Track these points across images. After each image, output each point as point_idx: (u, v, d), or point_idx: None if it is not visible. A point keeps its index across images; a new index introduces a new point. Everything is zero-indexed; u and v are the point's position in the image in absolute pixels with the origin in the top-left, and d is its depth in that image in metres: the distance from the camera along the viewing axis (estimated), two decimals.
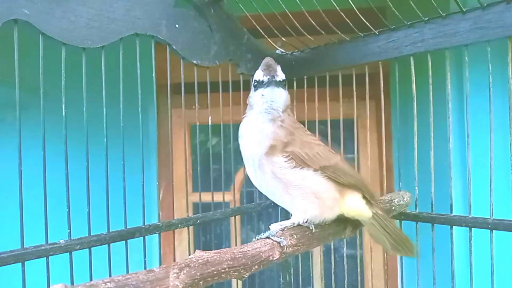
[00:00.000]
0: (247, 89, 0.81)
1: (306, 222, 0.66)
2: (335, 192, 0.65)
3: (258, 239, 0.62)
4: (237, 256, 0.54)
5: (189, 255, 0.53)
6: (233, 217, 1.02)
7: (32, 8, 0.62)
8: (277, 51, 1.09)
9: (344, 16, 0.86)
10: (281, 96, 0.68)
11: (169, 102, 0.84)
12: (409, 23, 0.84)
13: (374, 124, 1.49)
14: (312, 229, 0.67)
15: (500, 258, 0.72)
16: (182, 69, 0.87)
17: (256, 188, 0.71)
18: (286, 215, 0.69)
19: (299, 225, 0.66)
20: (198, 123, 0.93)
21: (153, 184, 0.90)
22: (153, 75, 0.81)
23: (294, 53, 1.07)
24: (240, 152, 0.71)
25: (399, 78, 0.88)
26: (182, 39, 0.84)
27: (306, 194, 0.64)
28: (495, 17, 0.73)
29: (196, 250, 0.53)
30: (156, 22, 0.79)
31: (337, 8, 0.87)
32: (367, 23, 0.88)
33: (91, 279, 0.67)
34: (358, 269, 1.03)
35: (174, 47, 0.83)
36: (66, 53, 0.67)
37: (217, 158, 1.15)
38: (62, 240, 0.66)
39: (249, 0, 0.96)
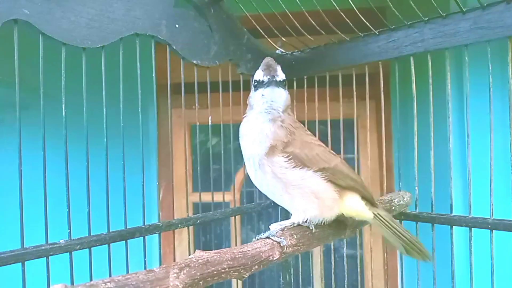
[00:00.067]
0: (247, 89, 0.81)
1: (305, 222, 0.66)
2: (334, 192, 0.65)
3: (258, 239, 0.62)
4: (237, 256, 0.54)
5: (189, 255, 0.53)
6: (233, 217, 1.02)
7: (32, 8, 0.62)
8: (277, 51, 1.09)
9: (344, 16, 0.86)
10: (281, 96, 0.68)
11: (169, 102, 0.84)
12: (409, 23, 0.84)
13: (374, 124, 1.49)
14: (312, 229, 0.67)
15: (500, 258, 0.72)
16: (182, 69, 0.87)
17: (256, 188, 0.71)
18: (286, 215, 0.69)
19: (299, 225, 0.66)
20: (198, 123, 0.93)
21: (153, 184, 0.90)
22: (153, 75, 0.81)
23: (294, 53, 1.07)
24: (240, 152, 0.71)
25: (399, 78, 0.88)
26: (182, 39, 0.84)
27: (305, 194, 0.64)
28: (495, 17, 0.73)
29: (196, 250, 0.53)
30: (156, 22, 0.79)
31: (337, 8, 0.87)
32: (367, 23, 0.88)
33: (91, 279, 0.67)
34: (358, 269, 1.03)
35: (174, 47, 0.83)
36: (66, 53, 0.67)
37: (217, 158, 1.15)
38: (62, 240, 0.66)
39: (249, 0, 0.96)
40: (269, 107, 0.67)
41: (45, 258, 0.64)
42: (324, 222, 0.66)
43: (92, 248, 0.70)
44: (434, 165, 0.82)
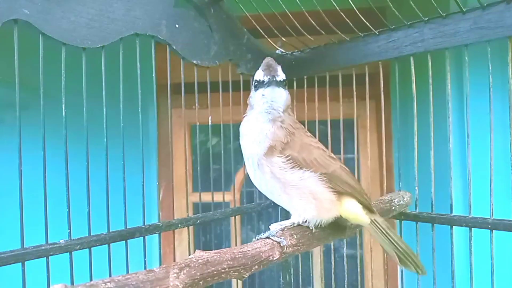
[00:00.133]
0: (247, 89, 0.81)
1: (305, 222, 0.66)
2: (332, 194, 0.65)
3: (258, 239, 0.62)
4: (237, 256, 0.54)
5: (189, 255, 0.53)
6: (233, 217, 1.02)
7: (32, 8, 0.62)
8: (277, 51, 1.09)
9: (344, 16, 0.86)
10: (281, 96, 0.68)
11: (169, 102, 0.84)
12: (409, 23, 0.84)
13: (374, 124, 1.49)
14: (312, 229, 0.67)
15: (500, 258, 0.72)
16: (182, 69, 0.87)
17: (256, 188, 0.72)
18: (286, 215, 0.69)
19: (299, 225, 0.66)
20: (198, 123, 0.93)
21: (153, 184, 0.90)
22: (153, 75, 0.81)
23: (294, 53, 1.07)
24: (240, 152, 0.71)
25: (399, 78, 0.88)
26: (182, 39, 0.84)
27: (303, 194, 0.64)
28: (495, 17, 0.73)
29: (196, 250, 0.53)
30: (156, 22, 0.79)
31: (337, 8, 0.87)
32: (367, 23, 0.88)
33: (91, 279, 0.67)
34: (358, 269, 1.03)
35: (174, 47, 0.83)
36: (66, 53, 0.67)
37: (217, 158, 1.15)
38: (62, 240, 0.66)
39: (249, 0, 0.96)
40: (269, 107, 0.67)
41: (45, 258, 0.64)
42: (322, 223, 0.66)
43: (92, 248, 0.70)
44: (434, 165, 0.82)
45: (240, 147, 0.70)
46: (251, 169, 0.68)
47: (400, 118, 0.91)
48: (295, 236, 0.64)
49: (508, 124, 0.72)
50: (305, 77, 1.05)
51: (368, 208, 0.67)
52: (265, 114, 0.67)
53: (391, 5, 0.81)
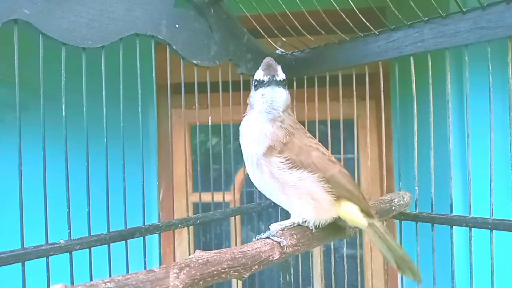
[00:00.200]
0: (247, 89, 0.81)
1: (304, 222, 0.66)
2: (330, 195, 0.65)
3: (258, 239, 0.62)
4: (237, 256, 0.54)
5: (189, 255, 0.53)
6: (233, 217, 1.02)
7: (32, 8, 0.62)
8: (277, 51, 1.09)
9: (344, 16, 0.86)
10: (281, 95, 0.68)
11: (169, 102, 0.84)
12: (409, 23, 0.84)
13: (374, 124, 1.49)
14: (312, 229, 0.67)
15: (500, 258, 0.72)
16: (182, 69, 0.87)
17: (256, 188, 0.72)
18: (286, 215, 0.69)
19: (299, 225, 0.66)
20: (198, 123, 0.93)
21: (153, 184, 0.90)
22: (153, 75, 0.81)
23: (294, 53, 1.07)
24: (240, 152, 0.71)
25: (399, 78, 0.88)
26: (182, 39, 0.84)
27: (302, 195, 0.64)
28: (495, 17, 0.73)
29: (196, 250, 0.53)
30: (156, 22, 0.79)
31: (337, 8, 0.87)
32: (367, 23, 0.88)
33: (91, 279, 0.67)
34: (358, 269, 1.03)
35: (174, 47, 0.83)
36: (66, 53, 0.67)
37: (217, 158, 1.15)
38: (62, 240, 0.66)
39: (249, 0, 0.96)
40: (269, 106, 0.67)
41: (45, 258, 0.64)
42: (321, 224, 0.66)
43: (92, 248, 0.70)
44: (434, 165, 0.82)
45: (240, 147, 0.70)
46: (250, 169, 0.68)
47: (400, 118, 0.92)
48: (295, 236, 0.64)
49: (508, 124, 0.72)
50: (305, 77, 1.05)
51: (366, 212, 0.67)
52: (265, 114, 0.67)
53: (391, 5, 0.81)
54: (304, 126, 0.72)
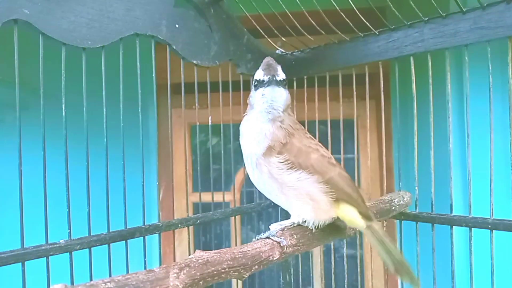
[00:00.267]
0: (247, 89, 0.81)
1: (304, 222, 0.66)
2: (329, 197, 0.65)
3: (258, 239, 0.62)
4: (237, 256, 0.54)
5: (189, 255, 0.53)
6: (233, 217, 1.02)
7: (32, 8, 0.62)
8: (277, 51, 1.09)
9: (344, 16, 0.86)
10: (281, 95, 0.68)
11: (169, 102, 0.84)
12: (409, 23, 0.84)
13: (374, 124, 1.49)
14: (312, 229, 0.67)
15: (500, 258, 0.72)
16: (182, 69, 0.87)
17: (256, 188, 0.72)
18: (286, 215, 0.69)
19: (299, 225, 0.66)
20: (198, 123, 0.93)
21: (153, 184, 0.90)
22: (153, 75, 0.81)
23: (294, 53, 1.07)
24: (240, 152, 0.71)
25: (399, 78, 0.88)
26: (182, 39, 0.84)
27: (300, 195, 0.64)
28: (495, 17, 0.73)
29: (196, 250, 0.53)
30: (156, 22, 0.79)
31: (337, 8, 0.87)
32: (367, 23, 0.88)
33: (91, 279, 0.67)
34: (358, 269, 1.03)
35: (174, 47, 0.83)
36: (66, 53, 0.67)
37: (217, 158, 1.15)
38: (62, 240, 0.66)
39: (249, 0, 0.96)
40: (269, 106, 0.67)
41: (45, 258, 0.64)
42: (320, 224, 0.66)
43: (92, 248, 0.70)
44: (434, 165, 0.82)
45: (240, 147, 0.70)
46: (249, 168, 0.68)
47: (400, 118, 0.92)
48: (295, 236, 0.64)
49: (508, 124, 0.72)
50: (305, 77, 1.05)
51: (364, 215, 0.66)
52: (265, 114, 0.67)
53: (391, 5, 0.81)
54: (304, 126, 0.72)
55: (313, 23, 0.93)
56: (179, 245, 1.36)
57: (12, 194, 0.64)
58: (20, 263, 0.61)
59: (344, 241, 0.98)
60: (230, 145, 0.98)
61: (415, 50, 0.84)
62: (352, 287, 1.17)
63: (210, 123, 0.94)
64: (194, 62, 0.88)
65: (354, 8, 0.84)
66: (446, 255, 0.79)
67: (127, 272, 0.64)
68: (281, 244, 0.61)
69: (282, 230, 0.65)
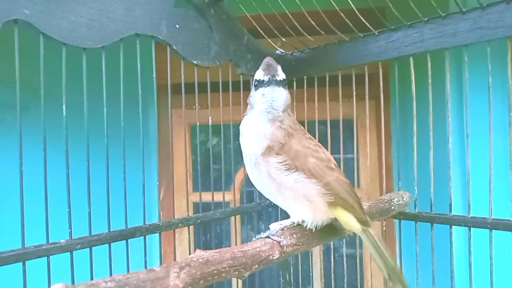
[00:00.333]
0: (247, 89, 0.81)
1: (303, 222, 0.66)
2: (327, 199, 0.64)
3: (258, 239, 0.62)
4: (237, 256, 0.54)
5: (190, 254, 0.53)
6: (233, 216, 1.02)
7: (32, 8, 0.62)
8: (277, 52, 1.09)
9: (343, 17, 0.87)
10: (281, 95, 0.68)
11: (170, 102, 0.85)
12: (408, 23, 0.84)
13: (374, 124, 1.49)
14: (312, 229, 0.67)
15: (499, 258, 0.73)
16: (182, 69, 0.87)
17: (256, 188, 0.72)
18: (286, 214, 0.69)
19: (298, 224, 0.66)
20: (198, 123, 0.93)
21: (154, 184, 0.90)
22: (154, 75, 0.81)
23: (294, 54, 1.07)
24: (240, 152, 0.71)
25: (399, 78, 0.88)
26: (182, 40, 0.84)
27: (298, 196, 0.64)
28: (495, 17, 0.73)
29: (197, 249, 0.53)
30: (156, 23, 0.80)
31: (337, 8, 0.87)
32: (366, 23, 0.88)
33: (91, 279, 0.68)
34: (358, 269, 1.03)
35: (175, 48, 0.83)
36: (66, 53, 0.67)
37: (217, 158, 1.16)
38: (63, 240, 0.66)
39: (249, 0, 0.96)
40: (269, 106, 0.67)
41: (46, 257, 0.64)
42: (318, 224, 0.66)
43: (93, 247, 0.70)
44: (434, 165, 0.82)
45: (240, 147, 0.70)
46: (249, 168, 0.68)
47: (399, 118, 0.92)
48: (294, 235, 0.65)
49: (507, 124, 0.72)
50: (305, 77, 1.05)
51: (360, 220, 0.66)
52: (264, 114, 0.67)
53: (390, 5, 0.81)
54: (304, 126, 0.72)
55: (313, 23, 0.93)
56: (179, 244, 1.36)
57: (12, 194, 0.65)
58: (21, 263, 0.61)
59: (344, 240, 0.98)
60: (230, 145, 0.98)
61: (414, 50, 0.84)
62: (352, 287, 1.17)
63: (210, 123, 0.94)
64: (194, 62, 0.88)
65: (354, 8, 0.84)
66: (445, 255, 0.79)
67: (128, 271, 0.64)
68: (281, 244, 0.62)
69: (282, 229, 0.65)
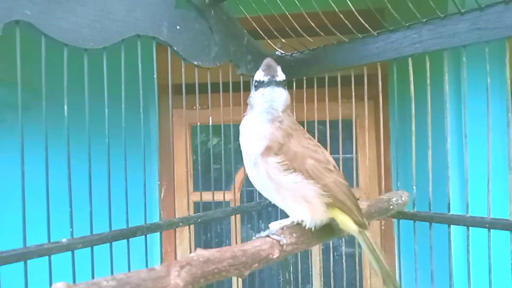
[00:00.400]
0: (247, 90, 0.82)
1: (302, 222, 0.66)
2: (325, 199, 0.65)
3: (258, 238, 0.62)
4: (237, 254, 0.55)
5: (190, 253, 0.53)
6: (234, 216, 1.02)
7: (33, 9, 0.62)
8: (276, 52, 1.10)
9: (343, 18, 0.87)
10: (281, 95, 0.68)
11: (170, 103, 0.85)
12: (407, 24, 0.84)
13: (373, 124, 1.49)
14: (311, 228, 0.67)
15: (497, 257, 0.73)
16: (183, 70, 0.87)
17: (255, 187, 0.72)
18: (286, 214, 0.69)
19: (298, 223, 0.67)
20: (199, 123, 0.93)
21: (155, 184, 0.90)
22: (155, 76, 0.81)
23: (293, 54, 1.08)
24: (240, 152, 0.71)
25: (398, 78, 0.88)
26: (183, 40, 0.85)
27: (296, 197, 0.64)
28: (493, 18, 0.74)
29: (197, 248, 0.53)
30: (157, 23, 0.80)
31: (336, 9, 0.87)
32: (365, 24, 0.88)
33: (93, 278, 0.68)
34: (357, 267, 1.04)
35: (175, 48, 0.84)
36: (68, 53, 0.68)
37: (218, 158, 1.16)
38: (65, 239, 0.66)
39: (249, 1, 0.96)
40: (269, 106, 0.67)
41: (47, 256, 0.64)
42: (317, 224, 0.66)
43: (94, 246, 0.70)
44: (432, 164, 0.83)
45: (240, 147, 0.71)
46: (248, 167, 0.69)
47: (398, 118, 0.92)
48: (294, 234, 0.65)
49: (505, 124, 0.73)
50: (304, 78, 1.06)
51: (357, 223, 0.66)
52: (264, 114, 0.68)
53: (389, 6, 0.82)
54: (304, 127, 0.73)
55: (312, 24, 0.93)
56: (180, 243, 1.37)
57: (14, 193, 0.65)
58: (23, 262, 0.61)
59: (343, 239, 0.99)
60: (231, 145, 0.99)
61: (413, 51, 0.84)
62: (351, 285, 1.18)
63: (210, 123, 0.94)
64: (195, 63, 0.88)
65: (353, 9, 0.84)
66: (444, 254, 0.80)
67: (129, 270, 0.64)
68: (281, 243, 0.62)
69: (282, 228, 0.65)
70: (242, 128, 0.71)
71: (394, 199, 0.83)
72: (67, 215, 0.68)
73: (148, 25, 0.78)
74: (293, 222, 0.67)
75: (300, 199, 0.64)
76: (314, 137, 0.88)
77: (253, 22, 1.00)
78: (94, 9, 0.70)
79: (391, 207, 0.82)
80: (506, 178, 0.72)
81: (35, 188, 0.65)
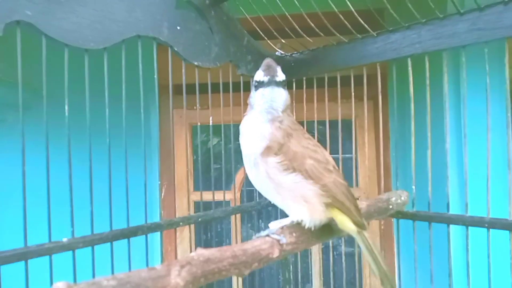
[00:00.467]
0: (247, 90, 0.82)
1: (301, 221, 0.67)
2: (324, 200, 0.65)
3: (258, 237, 0.62)
4: (237, 254, 0.55)
5: (191, 252, 0.53)
6: (234, 215, 1.03)
7: (34, 9, 0.62)
8: (276, 53, 1.10)
9: (342, 18, 0.87)
10: (281, 95, 0.68)
11: (171, 103, 0.85)
12: (407, 24, 0.84)
13: (372, 124, 1.50)
14: (311, 228, 0.67)
15: (496, 256, 0.73)
16: (183, 70, 0.87)
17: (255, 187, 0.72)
18: (286, 213, 0.69)
19: (297, 223, 0.67)
20: (199, 123, 0.94)
21: (155, 183, 0.91)
22: (155, 76, 0.82)
23: (293, 55, 1.08)
24: (240, 152, 0.72)
25: (397, 79, 0.89)
26: (183, 41, 0.85)
27: (296, 197, 0.65)
28: (493, 18, 0.74)
29: (197, 248, 0.53)
30: (157, 24, 0.80)
31: (336, 10, 0.87)
32: (365, 25, 0.89)
33: (93, 277, 0.68)
34: (356, 267, 1.04)
35: (176, 49, 0.84)
36: (68, 54, 0.68)
37: (218, 158, 1.16)
38: (65, 239, 0.66)
39: (249, 2, 0.96)
40: (269, 106, 0.68)
41: (48, 256, 0.64)
42: (316, 224, 0.66)
43: (94, 246, 0.70)
44: (432, 164, 0.83)
45: (240, 147, 0.71)
46: (248, 167, 0.69)
47: (397, 118, 0.92)
48: (294, 234, 0.65)
49: (504, 124, 0.73)
50: (304, 78, 1.06)
51: (356, 223, 0.66)
52: (264, 114, 0.68)
53: (389, 7, 0.82)
54: (303, 127, 0.73)
55: (312, 25, 0.94)
56: (180, 243, 1.37)
57: (14, 193, 0.65)
58: (23, 262, 0.61)
59: (342, 239, 0.99)
60: (231, 145, 0.99)
61: (413, 51, 0.84)
62: (350, 284, 1.18)
63: (211, 123, 0.95)
64: (195, 63, 0.88)
65: (353, 10, 0.85)
66: (443, 253, 0.80)
67: (129, 270, 0.64)
68: (281, 242, 0.62)
69: (281, 228, 0.65)
70: (242, 128, 0.71)
71: (394, 199, 0.84)
72: (68, 214, 0.68)
73: (148, 26, 0.78)
74: (292, 221, 0.67)
75: (299, 199, 0.65)
76: (313, 137, 0.89)
77: (253, 23, 1.01)
78: (94, 9, 0.70)
79: (391, 206, 0.82)
80: (505, 178, 0.72)
81: (36, 188, 0.66)
